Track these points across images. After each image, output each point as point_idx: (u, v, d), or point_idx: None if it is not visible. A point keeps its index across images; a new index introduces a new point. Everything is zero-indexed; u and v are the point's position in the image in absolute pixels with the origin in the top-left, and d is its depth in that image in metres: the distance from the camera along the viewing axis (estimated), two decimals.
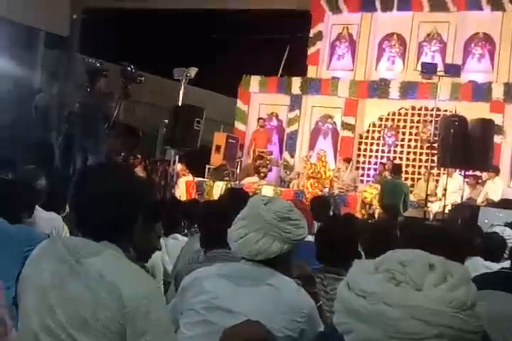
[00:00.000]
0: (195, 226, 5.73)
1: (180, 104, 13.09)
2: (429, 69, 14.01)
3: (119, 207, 2.09)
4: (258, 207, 2.64)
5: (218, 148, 16.00)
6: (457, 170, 12.88)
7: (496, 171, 13.82)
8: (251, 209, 2.66)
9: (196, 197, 13.35)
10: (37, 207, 4.38)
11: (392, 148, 16.52)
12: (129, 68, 9.93)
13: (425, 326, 1.16)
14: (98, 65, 9.59)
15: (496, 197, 13.21)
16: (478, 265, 4.79)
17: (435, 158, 12.33)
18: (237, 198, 3.71)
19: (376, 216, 12.83)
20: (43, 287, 2.02)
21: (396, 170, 13.00)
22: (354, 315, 1.21)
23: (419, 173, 15.86)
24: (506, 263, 4.28)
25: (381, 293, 1.19)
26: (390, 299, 1.18)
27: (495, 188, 13.79)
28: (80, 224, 2.16)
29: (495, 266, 4.66)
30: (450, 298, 1.18)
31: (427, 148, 14.93)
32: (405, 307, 1.17)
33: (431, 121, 14.88)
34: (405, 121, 16.41)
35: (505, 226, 6.19)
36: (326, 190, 14.34)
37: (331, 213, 8.00)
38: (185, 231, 5.90)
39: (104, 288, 1.96)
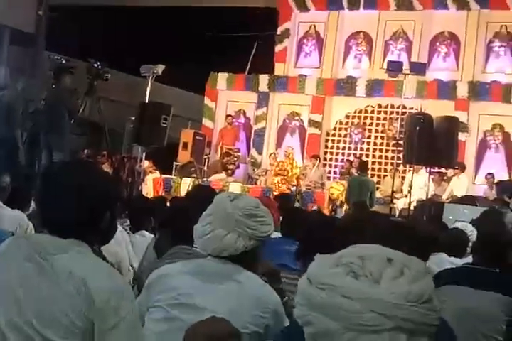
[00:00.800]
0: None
1: (147, 101, 13.04)
2: (395, 68, 14.13)
3: (86, 203, 2.08)
4: (224, 204, 2.65)
5: (185, 145, 15.95)
6: (423, 167, 13.01)
7: (462, 168, 13.99)
8: (217, 205, 2.67)
9: (163, 194, 13.30)
10: (1, 204, 4.34)
11: (359, 145, 16.63)
12: (95, 65, 9.86)
13: (383, 318, 1.17)
14: (63, 61, 9.51)
15: (461, 194, 13.38)
16: (443, 261, 4.85)
17: (401, 155, 12.44)
18: (203, 195, 3.71)
19: (343, 212, 12.92)
20: (9, 285, 2.01)
21: (362, 167, 13.08)
22: (314, 307, 1.23)
23: (385, 170, 15.99)
24: (469, 259, 4.34)
25: (340, 287, 1.20)
26: (349, 292, 1.19)
27: (460, 185, 13.96)
28: (46, 221, 2.15)
29: (459, 262, 4.72)
30: (407, 291, 1.19)
31: (393, 145, 15.04)
32: (363, 300, 1.18)
33: (397, 119, 15.02)
34: (372, 118, 16.53)
35: (469, 223, 6.27)
36: (294, 188, 14.39)
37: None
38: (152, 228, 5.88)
39: (72, 285, 1.95)
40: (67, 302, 1.94)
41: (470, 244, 4.99)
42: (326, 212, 12.81)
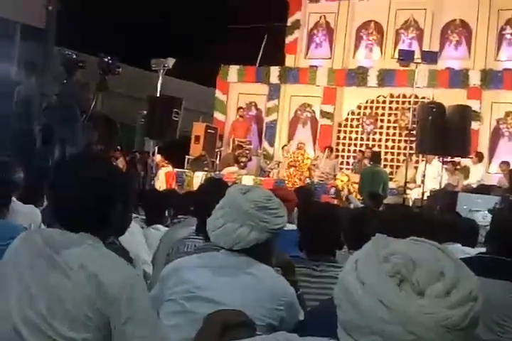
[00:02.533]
0: (178, 216, 5.72)
1: (158, 95, 13.04)
2: (406, 57, 14.06)
3: (97, 196, 2.08)
4: (236, 197, 2.64)
5: (197, 138, 15.97)
6: (436, 157, 12.96)
7: (480, 157, 13.94)
8: (229, 198, 2.66)
9: (176, 187, 13.32)
10: (14, 199, 4.35)
11: (371, 136, 16.59)
12: (106, 59, 9.87)
13: (410, 335, 1.13)
14: (74, 56, 9.52)
15: (475, 183, 13.35)
16: (458, 251, 4.83)
17: (414, 145, 12.40)
18: (215, 188, 3.70)
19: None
20: (23, 279, 2.02)
21: (375, 157, 13.06)
22: (348, 296, 1.19)
23: (398, 160, 15.95)
24: (482, 249, 4.32)
25: (380, 289, 1.16)
26: (387, 299, 1.14)
27: (477, 173, 13.93)
28: (57, 215, 2.16)
29: (472, 252, 4.70)
30: (445, 316, 1.13)
31: (406, 135, 15.00)
32: (397, 312, 1.13)
33: (409, 109, 14.97)
34: (384, 108, 16.48)
35: (487, 212, 6.24)
36: (308, 180, 14.38)
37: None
38: (169, 221, 5.89)
39: (84, 278, 1.96)
40: (80, 295, 1.95)
41: (484, 233, 4.97)
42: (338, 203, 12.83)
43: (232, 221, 2.61)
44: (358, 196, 12.84)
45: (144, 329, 1.99)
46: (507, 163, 13.92)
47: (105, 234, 2.19)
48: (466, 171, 14.26)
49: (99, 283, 1.95)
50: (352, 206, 11.37)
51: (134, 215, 5.64)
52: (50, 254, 2.01)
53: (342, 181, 13.82)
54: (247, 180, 13.77)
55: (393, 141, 16.33)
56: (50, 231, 2.16)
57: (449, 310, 1.13)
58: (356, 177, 13.75)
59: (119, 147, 14.38)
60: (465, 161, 14.17)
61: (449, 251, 1.23)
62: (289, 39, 17.65)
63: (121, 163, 13.88)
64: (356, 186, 13.56)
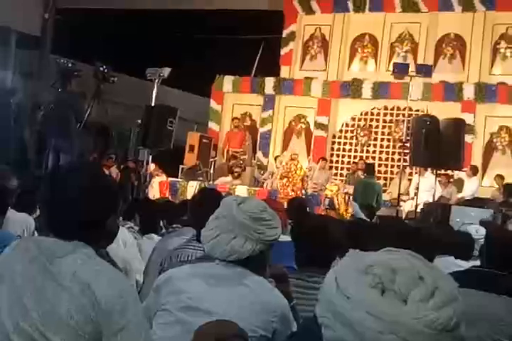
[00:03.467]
0: (173, 226, 5.72)
1: (153, 104, 13.04)
2: (400, 70, 14.11)
3: (90, 205, 2.08)
4: (231, 208, 2.64)
5: (192, 148, 15.97)
6: (429, 169, 12.99)
7: (474, 170, 13.97)
8: (224, 209, 2.66)
9: (170, 197, 13.30)
10: (9, 207, 4.34)
11: (365, 148, 16.62)
12: (101, 68, 9.89)
13: None
14: (70, 65, 9.53)
15: (472, 196, 13.38)
16: (450, 264, 4.83)
17: (407, 158, 12.42)
18: (210, 198, 3.70)
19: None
20: (16, 288, 2.00)
21: (369, 169, 13.08)
22: (335, 313, 1.20)
23: (391, 172, 15.97)
24: (476, 262, 4.32)
25: (366, 301, 1.17)
26: (374, 309, 1.15)
27: (471, 187, 13.97)
28: (51, 223, 2.15)
29: (465, 265, 4.70)
30: (434, 318, 1.15)
31: (400, 147, 15.02)
32: (387, 322, 1.14)
33: (403, 121, 15.00)
34: (378, 120, 16.52)
35: (480, 225, 6.24)
36: (304, 191, 14.39)
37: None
38: (163, 231, 5.89)
39: (77, 288, 1.95)
40: (73, 305, 1.93)
41: (477, 246, 4.97)
42: (342, 211, 12.94)
43: (226, 232, 2.60)
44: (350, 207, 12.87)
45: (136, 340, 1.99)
46: (501, 177, 13.96)
47: (100, 243, 2.19)
48: (459, 184, 14.29)
49: (93, 294, 1.94)
50: (354, 210, 11.40)
51: (128, 225, 5.65)
52: (44, 263, 2.00)
53: (331, 191, 13.87)
54: (241, 191, 13.76)
55: (387, 153, 16.36)
56: (44, 240, 2.15)
57: (436, 312, 1.15)
58: (348, 188, 13.78)
59: (113, 156, 14.35)
60: (459, 174, 14.19)
61: (422, 258, 1.25)
62: (284, 50, 17.69)
63: (114, 172, 13.86)
64: (345, 196, 13.61)
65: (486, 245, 3.89)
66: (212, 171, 16.06)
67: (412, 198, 13.00)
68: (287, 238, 4.54)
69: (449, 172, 13.75)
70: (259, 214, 2.65)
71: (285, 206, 6.57)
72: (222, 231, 2.60)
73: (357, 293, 1.18)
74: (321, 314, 1.23)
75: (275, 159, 16.32)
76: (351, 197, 12.33)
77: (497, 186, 13.78)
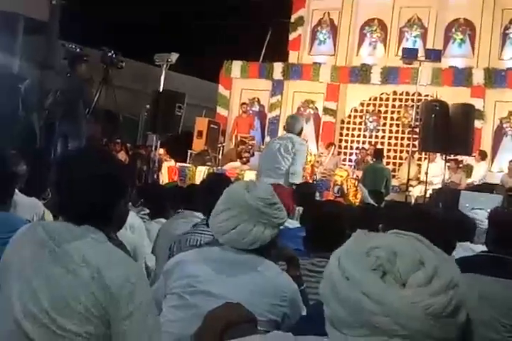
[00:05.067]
0: (178, 211, 5.73)
1: (161, 90, 13.02)
2: (410, 55, 14.02)
3: (100, 190, 2.08)
4: (243, 196, 2.62)
5: (200, 133, 15.96)
6: (438, 155, 12.96)
7: (483, 155, 13.93)
8: (236, 198, 2.64)
9: (178, 182, 13.31)
10: (17, 192, 4.35)
11: (374, 133, 16.57)
12: (109, 53, 9.85)
13: (397, 326, 1.15)
14: (78, 50, 9.50)
15: (480, 181, 13.35)
16: (466, 248, 4.82)
17: (416, 143, 12.38)
18: (219, 183, 3.70)
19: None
20: (25, 273, 2.01)
21: (378, 154, 13.05)
22: (334, 292, 1.21)
23: (400, 158, 15.94)
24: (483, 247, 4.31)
25: (364, 282, 1.18)
26: (371, 291, 1.17)
27: (479, 172, 13.93)
28: (62, 208, 2.15)
29: (479, 249, 4.69)
30: (429, 303, 1.15)
31: (409, 132, 14.98)
32: (382, 304, 1.15)
33: (412, 106, 14.94)
34: (387, 106, 16.46)
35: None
36: (314, 176, 14.36)
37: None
38: (173, 215, 5.89)
39: (86, 272, 1.95)
40: (82, 289, 1.94)
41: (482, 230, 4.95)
42: (351, 197, 12.94)
43: (244, 221, 2.59)
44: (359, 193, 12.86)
45: (144, 326, 1.99)
46: None
47: (109, 228, 2.19)
48: (468, 169, 14.25)
49: (102, 278, 1.94)
50: (363, 195, 11.39)
51: (139, 210, 5.67)
52: (53, 248, 2.00)
53: (341, 177, 13.83)
54: (250, 176, 13.74)
55: (396, 138, 16.31)
56: (54, 224, 2.16)
57: (431, 298, 1.15)
58: (358, 174, 13.76)
59: (119, 140, 14.35)
60: (468, 159, 14.13)
61: (428, 242, 1.26)
62: (292, 35, 17.61)
63: (122, 157, 13.87)
64: (355, 181, 13.58)
65: (492, 230, 3.89)
66: (220, 156, 16.07)
67: (422, 183, 12.97)
68: (294, 223, 4.55)
69: (458, 157, 13.69)
70: (271, 199, 2.65)
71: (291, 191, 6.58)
72: (241, 221, 2.59)
73: (356, 274, 1.19)
74: (322, 291, 1.25)
75: None
76: (360, 182, 12.29)
77: (507, 171, 13.73)
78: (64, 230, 2.05)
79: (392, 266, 1.19)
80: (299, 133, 8.66)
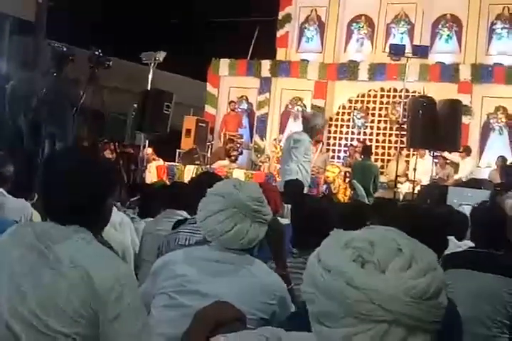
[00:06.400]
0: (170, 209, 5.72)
1: (149, 89, 13.00)
2: (397, 51, 14.05)
3: (85, 189, 2.07)
4: (236, 196, 2.61)
5: (188, 132, 15.94)
6: (426, 151, 12.99)
7: (468, 151, 13.97)
8: (228, 199, 2.61)
9: (167, 181, 13.29)
10: (5, 193, 4.34)
11: (362, 130, 16.60)
12: (96, 53, 9.80)
13: (382, 311, 1.17)
14: (65, 49, 9.45)
15: (466, 177, 13.38)
16: (458, 245, 4.83)
17: (404, 139, 12.41)
18: (209, 181, 3.70)
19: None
20: (13, 274, 2.00)
21: (366, 151, 13.08)
22: (317, 287, 1.23)
23: (389, 154, 15.97)
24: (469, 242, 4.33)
25: (345, 272, 1.20)
26: (353, 280, 1.19)
27: (465, 168, 13.97)
28: (48, 208, 2.14)
29: (462, 245, 4.71)
30: (411, 286, 1.18)
31: (397, 129, 15.01)
32: (366, 291, 1.18)
33: (400, 103, 14.98)
34: (374, 102, 16.49)
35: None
36: None
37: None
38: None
39: (74, 274, 1.94)
40: (70, 291, 1.93)
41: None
42: (340, 195, 12.93)
43: (241, 222, 2.59)
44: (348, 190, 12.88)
45: (132, 327, 1.98)
46: (503, 158, 13.83)
47: (97, 228, 2.18)
48: (457, 165, 14.29)
49: (90, 280, 1.93)
50: (357, 192, 11.38)
51: (127, 209, 5.66)
52: (42, 250, 1.99)
53: (333, 173, 13.83)
54: (239, 174, 13.75)
55: (384, 135, 16.34)
56: (41, 225, 2.15)
57: (413, 280, 1.18)
58: (347, 170, 13.78)
59: (106, 140, 14.31)
60: (452, 156, 14.11)
61: (399, 231, 1.29)
62: (280, 33, 17.60)
63: (108, 155, 13.82)
64: (344, 179, 13.60)
65: (477, 226, 3.92)
66: (209, 155, 16.06)
67: (410, 180, 13.00)
68: (285, 221, 4.54)
69: (445, 154, 13.72)
70: (261, 197, 2.66)
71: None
72: (237, 222, 2.58)
73: (337, 266, 1.21)
74: (305, 289, 1.27)
75: (272, 143, 16.29)
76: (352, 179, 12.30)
77: (495, 167, 13.77)
78: (51, 231, 2.04)
79: (371, 255, 1.21)
80: (308, 131, 8.73)
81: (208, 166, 14.53)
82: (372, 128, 16.49)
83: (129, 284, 2.02)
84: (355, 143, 16.03)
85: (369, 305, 1.17)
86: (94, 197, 2.09)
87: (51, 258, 1.98)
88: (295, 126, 17.00)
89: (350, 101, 16.71)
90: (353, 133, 16.67)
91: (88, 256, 1.99)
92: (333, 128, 16.84)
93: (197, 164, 14.64)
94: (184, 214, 4.51)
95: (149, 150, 14.18)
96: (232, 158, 15.12)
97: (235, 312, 1.75)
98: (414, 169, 11.92)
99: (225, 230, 2.58)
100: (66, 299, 1.93)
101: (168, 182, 11.81)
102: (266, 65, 17.23)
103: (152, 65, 13.67)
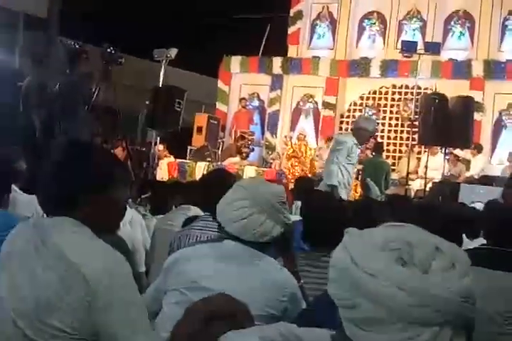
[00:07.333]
0: (182, 206, 5.74)
1: (160, 85, 13.02)
2: (409, 48, 14.02)
3: (76, 180, 2.05)
4: (260, 189, 2.66)
5: (200, 129, 15.96)
6: (438, 148, 12.96)
7: (479, 149, 13.92)
8: (250, 190, 2.65)
9: (178, 178, 13.32)
10: (17, 189, 4.36)
11: None
12: (109, 49, 9.83)
13: (436, 313, 1.15)
14: (78, 46, 9.48)
15: (478, 174, 13.34)
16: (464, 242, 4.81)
17: (416, 136, 12.37)
18: (222, 178, 3.71)
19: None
20: (14, 270, 2.01)
21: (377, 148, 13.03)
22: (362, 293, 1.19)
23: (400, 151, 15.94)
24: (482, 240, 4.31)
25: (392, 276, 1.16)
26: (403, 284, 1.16)
27: (476, 165, 13.92)
28: (39, 200, 2.15)
29: (471, 243, 4.69)
30: (461, 286, 1.17)
31: (408, 126, 15.00)
32: (419, 294, 1.15)
33: (411, 99, 14.93)
34: (386, 99, 16.45)
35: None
36: (318, 171, 14.33)
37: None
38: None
39: (66, 268, 1.92)
40: (62, 285, 1.92)
41: None
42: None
43: (258, 213, 2.61)
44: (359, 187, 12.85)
45: (126, 318, 1.95)
46: None
47: (99, 223, 2.15)
48: (468, 162, 14.25)
49: (81, 274, 1.91)
50: (371, 191, 11.33)
51: (138, 206, 5.68)
52: (38, 244, 1.99)
53: None
54: (250, 171, 13.77)
55: (395, 131, 16.31)
56: (43, 220, 2.13)
57: (461, 280, 1.17)
58: (358, 168, 13.74)
59: (119, 137, 14.34)
60: (464, 154, 14.06)
61: (424, 230, 1.26)
62: (291, 29, 17.59)
63: (120, 153, 13.86)
64: (357, 176, 13.55)
65: (490, 223, 3.90)
66: (220, 152, 16.07)
67: (421, 177, 12.97)
68: (295, 217, 4.55)
69: (456, 152, 13.68)
70: (283, 198, 2.69)
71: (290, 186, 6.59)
72: (254, 212, 2.60)
73: (381, 270, 1.17)
74: (342, 296, 1.22)
75: (283, 140, 16.29)
76: (365, 176, 12.26)
77: (508, 163, 13.73)
78: (47, 225, 2.03)
79: (411, 256, 1.18)
80: (354, 133, 8.82)
81: (219, 163, 14.54)
82: (383, 125, 16.45)
83: (120, 275, 1.98)
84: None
85: (422, 309, 1.15)
86: (84, 188, 2.06)
87: (44, 253, 1.97)
88: (306, 123, 17.01)
89: (361, 98, 16.68)
90: None
91: (79, 249, 1.96)
92: (344, 125, 16.82)
93: (208, 161, 14.66)
94: (197, 210, 4.51)
95: (161, 147, 14.21)
96: (243, 155, 15.12)
97: (232, 306, 1.61)
98: (426, 166, 11.89)
99: (240, 217, 2.60)
100: (58, 293, 1.91)
101: (179, 179, 11.86)
102: (277, 61, 17.22)
103: (164, 61, 13.70)
